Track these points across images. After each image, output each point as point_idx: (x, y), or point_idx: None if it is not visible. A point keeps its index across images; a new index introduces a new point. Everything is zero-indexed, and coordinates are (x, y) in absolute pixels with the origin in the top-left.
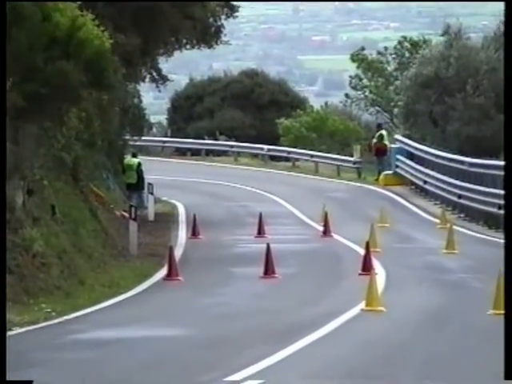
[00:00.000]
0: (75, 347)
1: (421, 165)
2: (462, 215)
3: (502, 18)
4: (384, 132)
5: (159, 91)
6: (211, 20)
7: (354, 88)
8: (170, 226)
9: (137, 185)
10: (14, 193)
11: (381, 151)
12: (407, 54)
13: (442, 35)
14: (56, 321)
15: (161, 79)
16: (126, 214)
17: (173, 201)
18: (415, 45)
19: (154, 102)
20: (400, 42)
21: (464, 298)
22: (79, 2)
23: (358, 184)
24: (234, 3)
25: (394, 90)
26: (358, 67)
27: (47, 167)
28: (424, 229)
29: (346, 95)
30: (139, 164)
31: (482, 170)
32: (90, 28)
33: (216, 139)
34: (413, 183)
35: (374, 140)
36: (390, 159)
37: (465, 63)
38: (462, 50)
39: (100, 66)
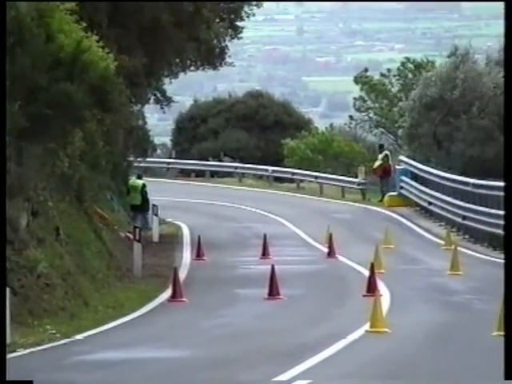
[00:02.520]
0: (80, 368)
1: (425, 186)
2: (466, 236)
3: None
4: (388, 152)
5: (164, 112)
6: (215, 41)
7: (358, 110)
8: (174, 248)
9: (141, 206)
10: (19, 214)
11: (386, 172)
12: (410, 76)
13: (449, 57)
14: (60, 342)
15: (165, 100)
16: (131, 236)
17: (177, 222)
18: (418, 66)
19: (159, 123)
20: (403, 64)
21: (469, 320)
22: (84, 24)
23: (363, 205)
24: (238, 24)
25: (398, 112)
26: (361, 89)
27: (51, 188)
28: (429, 250)
29: (351, 117)
30: (144, 185)
31: (486, 192)
32: (94, 50)
33: (220, 160)
34: (417, 204)
35: (379, 162)
36: (394, 180)
37: (470, 85)
38: (469, 72)
39: (104, 89)
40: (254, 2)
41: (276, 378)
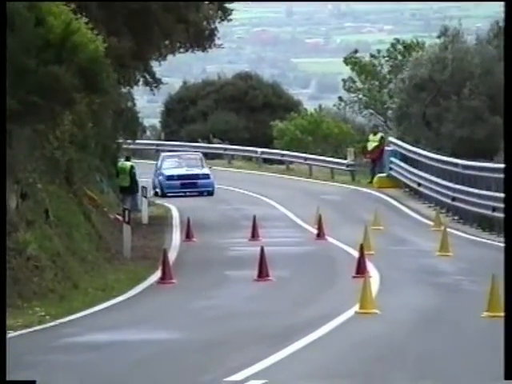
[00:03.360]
0: (70, 350)
1: (415, 167)
2: (455, 217)
3: (496, 19)
4: (383, 134)
5: (153, 94)
6: (205, 23)
7: (348, 91)
8: (163, 229)
9: (130, 188)
10: (8, 196)
11: (381, 153)
12: (400, 57)
13: (439, 37)
14: (50, 324)
15: (154, 82)
16: (120, 218)
17: (166, 204)
18: (408, 47)
19: (148, 105)
20: (393, 45)
21: (458, 300)
22: (73, 6)
23: (352, 187)
24: (228, 6)
25: (387, 93)
26: (351, 70)
27: (41, 170)
28: (418, 231)
29: (340, 98)
30: (132, 167)
31: (475, 173)
32: (83, 32)
33: (210, 142)
34: (407, 186)
35: (375, 143)
36: (384, 162)
37: (460, 66)
38: (458, 52)
39: (94, 71)
40: None
41: (265, 359)
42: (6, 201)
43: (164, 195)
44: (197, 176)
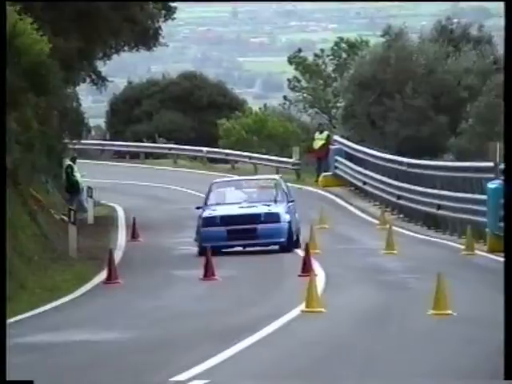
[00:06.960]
0: (16, 351)
1: (360, 166)
2: (401, 216)
3: (440, 17)
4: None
5: (100, 93)
6: (149, 22)
7: (293, 90)
8: (109, 230)
9: (68, 188)
10: None
11: (327, 152)
12: (344, 55)
13: (383, 36)
14: None
15: (100, 81)
16: (65, 218)
17: (112, 204)
18: (352, 46)
19: (93, 105)
20: (337, 44)
21: (404, 299)
22: (19, 7)
23: (297, 185)
24: (172, 5)
25: (332, 92)
26: (295, 69)
27: None
28: (363, 230)
29: (285, 97)
30: (67, 167)
31: (420, 171)
32: (29, 33)
33: (155, 142)
34: (352, 184)
35: (322, 141)
36: (329, 160)
37: (403, 65)
38: (401, 51)
39: (39, 73)
40: None
41: (211, 359)
42: None
43: (201, 252)
44: (257, 217)
